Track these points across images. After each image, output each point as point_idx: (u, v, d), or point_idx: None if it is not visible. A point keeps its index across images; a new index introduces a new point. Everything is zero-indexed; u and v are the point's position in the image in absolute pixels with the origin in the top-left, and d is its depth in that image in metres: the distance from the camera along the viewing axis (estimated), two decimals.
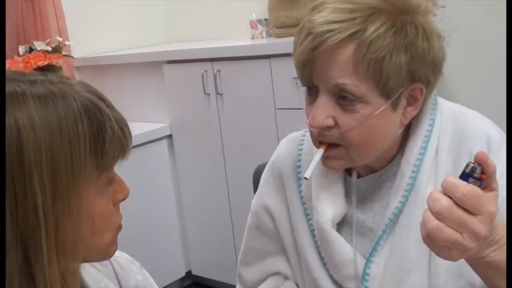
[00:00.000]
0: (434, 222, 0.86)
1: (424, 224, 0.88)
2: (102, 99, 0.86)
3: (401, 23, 1.02)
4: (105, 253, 0.92)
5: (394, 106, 1.06)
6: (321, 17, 1.02)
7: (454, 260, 0.90)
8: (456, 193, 0.85)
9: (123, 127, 0.87)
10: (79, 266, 0.87)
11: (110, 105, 0.87)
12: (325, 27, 1.01)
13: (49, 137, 0.78)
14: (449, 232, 0.86)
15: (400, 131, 1.12)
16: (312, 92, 1.08)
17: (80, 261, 0.86)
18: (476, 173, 0.87)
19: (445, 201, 0.86)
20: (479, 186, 0.87)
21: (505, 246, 0.92)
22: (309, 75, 1.06)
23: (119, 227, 0.92)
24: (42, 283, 0.78)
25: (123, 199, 0.92)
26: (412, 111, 1.10)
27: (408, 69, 1.03)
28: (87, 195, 0.82)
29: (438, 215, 0.86)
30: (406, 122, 1.11)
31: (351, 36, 1.01)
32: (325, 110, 1.05)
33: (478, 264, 0.95)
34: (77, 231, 0.81)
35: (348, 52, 1.01)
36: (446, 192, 0.86)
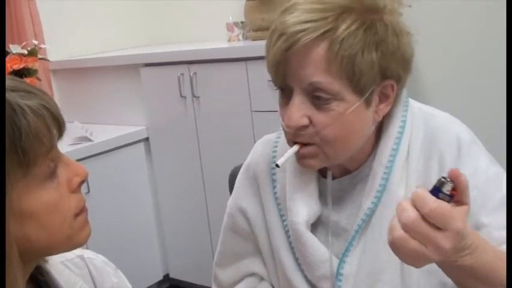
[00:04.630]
0: (399, 232, 0.87)
1: (390, 231, 0.89)
2: (16, 89, 0.79)
3: (371, 21, 1.04)
4: (72, 242, 0.86)
5: (367, 103, 1.08)
6: (293, 17, 1.03)
7: (419, 267, 0.91)
8: (424, 208, 0.86)
9: (42, 115, 0.79)
10: (31, 269, 0.82)
11: (25, 95, 0.79)
12: (298, 27, 1.02)
13: None
14: (413, 244, 0.87)
15: (373, 128, 1.14)
16: (286, 94, 1.09)
17: (32, 266, 0.80)
18: (446, 189, 0.87)
19: (412, 214, 0.86)
20: (448, 201, 0.87)
21: (478, 249, 0.93)
22: (282, 76, 1.07)
23: (83, 211, 0.87)
24: None
25: (82, 181, 0.86)
26: (384, 108, 1.12)
27: (380, 66, 1.05)
28: (12, 197, 0.76)
29: (404, 226, 0.87)
30: (379, 119, 1.13)
31: (323, 34, 1.02)
32: (300, 110, 1.07)
33: (447, 266, 0.96)
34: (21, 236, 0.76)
35: (321, 50, 1.03)
36: (415, 206, 0.87)
